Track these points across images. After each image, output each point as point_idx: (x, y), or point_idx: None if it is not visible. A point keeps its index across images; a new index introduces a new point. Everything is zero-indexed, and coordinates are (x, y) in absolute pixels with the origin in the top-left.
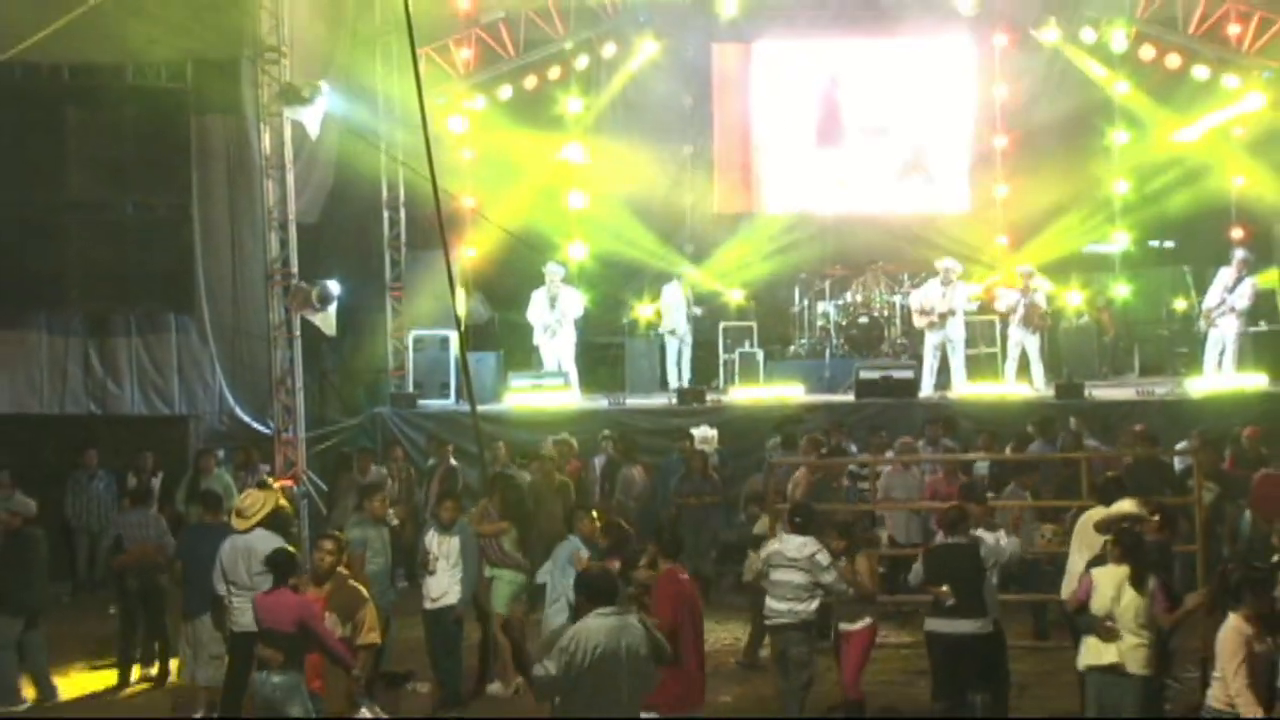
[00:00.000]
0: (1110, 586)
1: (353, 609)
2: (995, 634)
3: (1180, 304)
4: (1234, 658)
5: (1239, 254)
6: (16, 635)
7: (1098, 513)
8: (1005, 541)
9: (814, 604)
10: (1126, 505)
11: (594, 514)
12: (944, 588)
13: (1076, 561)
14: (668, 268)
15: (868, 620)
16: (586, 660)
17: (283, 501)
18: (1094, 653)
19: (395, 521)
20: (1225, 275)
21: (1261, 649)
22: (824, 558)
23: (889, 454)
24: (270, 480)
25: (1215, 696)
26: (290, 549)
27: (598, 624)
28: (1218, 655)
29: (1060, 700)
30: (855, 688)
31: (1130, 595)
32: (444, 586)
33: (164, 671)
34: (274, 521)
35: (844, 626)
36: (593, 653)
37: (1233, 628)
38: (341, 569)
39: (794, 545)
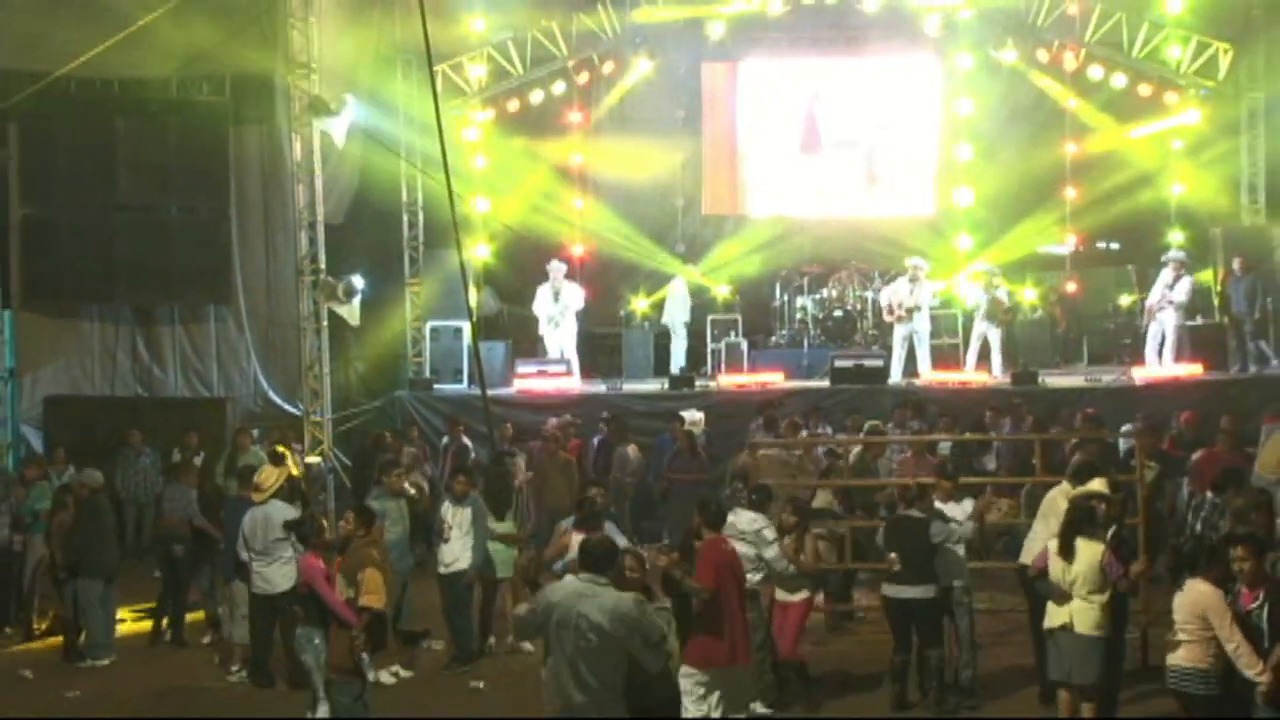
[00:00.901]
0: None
1: (356, 572)
2: (938, 600)
3: (1124, 300)
4: (1224, 617)
5: (1176, 255)
6: (101, 594)
7: (1067, 490)
8: (965, 516)
9: (758, 576)
10: (1096, 484)
11: (602, 488)
12: (892, 555)
13: (1040, 532)
14: (661, 265)
15: (805, 593)
16: (544, 615)
17: (295, 472)
18: (1051, 615)
19: (413, 492)
20: (1166, 274)
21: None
22: (770, 534)
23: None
24: (282, 451)
25: (1188, 657)
26: (304, 516)
27: (565, 586)
28: (1193, 618)
29: (1015, 659)
30: (794, 651)
31: (1081, 563)
32: (456, 553)
33: (179, 627)
34: (288, 493)
35: (782, 597)
36: (548, 610)
37: (1209, 591)
38: (366, 537)
39: (745, 519)
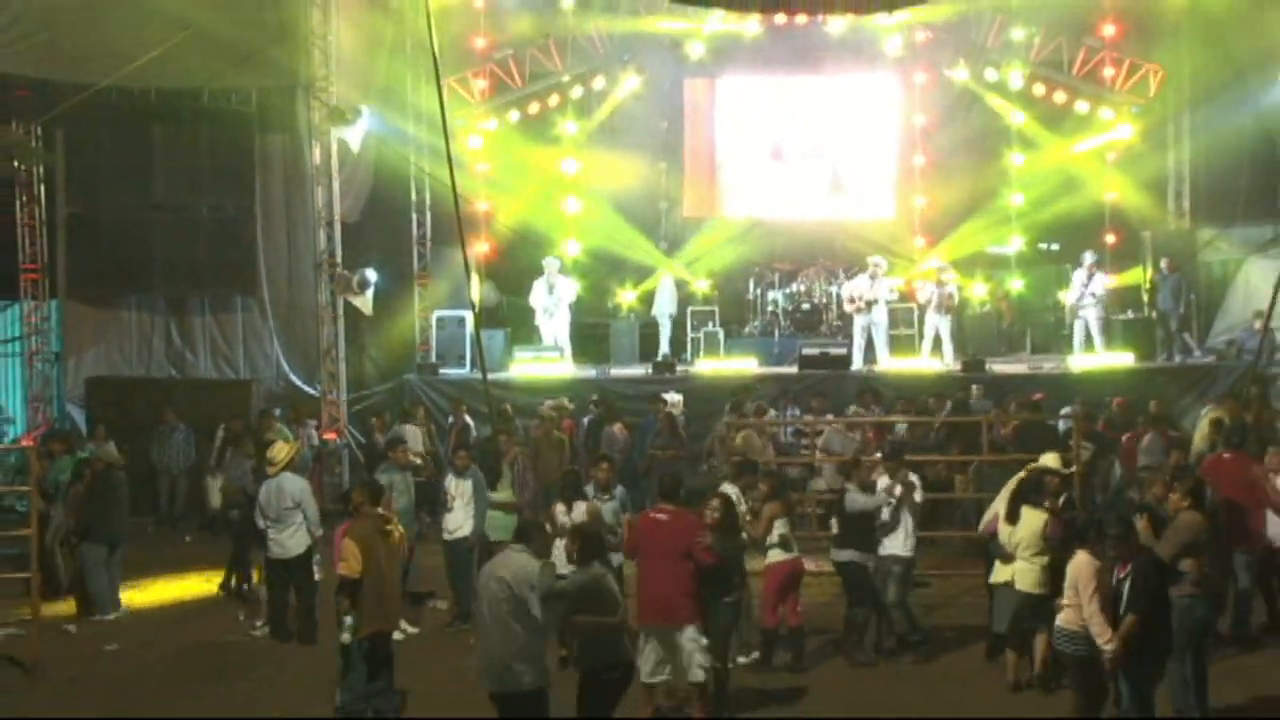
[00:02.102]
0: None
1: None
2: (859, 564)
3: (1063, 296)
4: (1087, 586)
5: (1090, 257)
6: (105, 559)
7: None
8: (872, 490)
9: None
10: (1049, 459)
11: (606, 464)
12: (833, 521)
13: (998, 502)
14: (646, 261)
15: (776, 558)
16: (480, 581)
17: (304, 450)
18: (996, 573)
19: (419, 463)
20: (1080, 275)
21: (1107, 580)
22: (741, 505)
23: (828, 416)
24: (290, 436)
25: (1066, 619)
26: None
27: (497, 557)
28: (1070, 585)
29: (963, 619)
30: (771, 615)
31: (1025, 529)
32: (459, 521)
33: (236, 585)
34: (297, 465)
35: (755, 565)
36: (482, 577)
37: (1082, 561)
38: (379, 510)
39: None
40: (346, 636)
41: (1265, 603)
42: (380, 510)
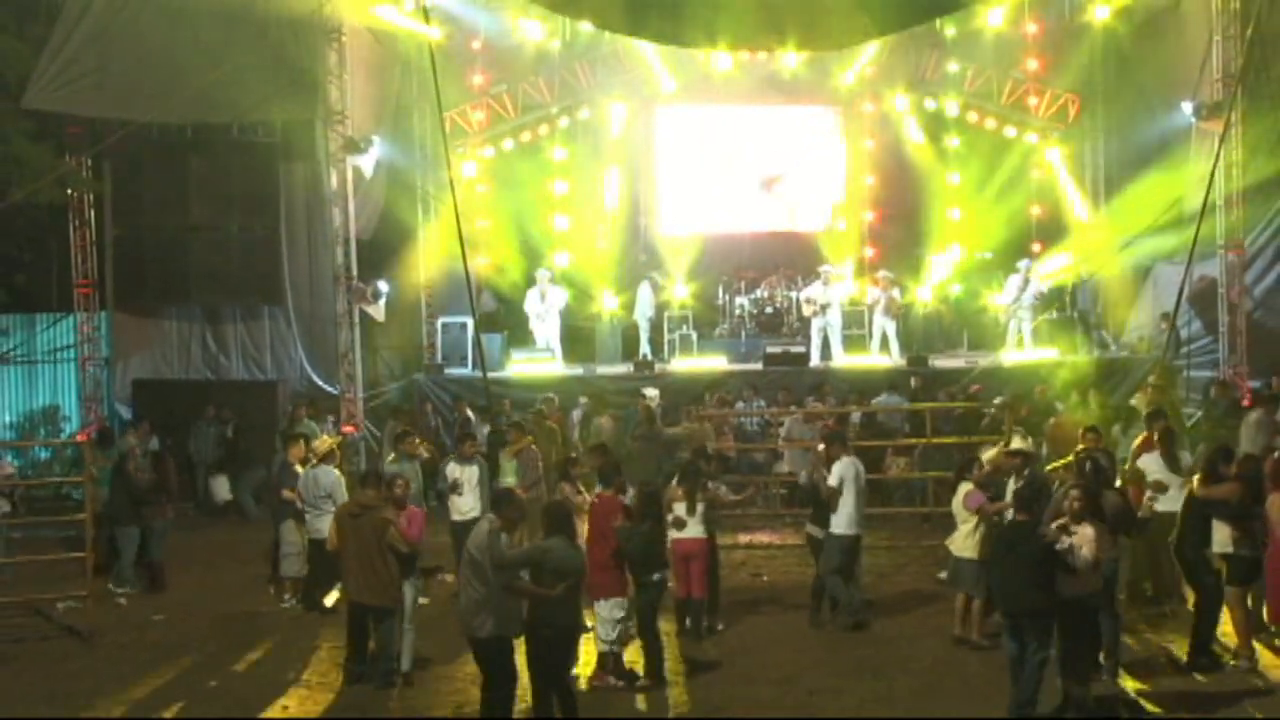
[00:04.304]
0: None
1: None
2: (816, 538)
3: (994, 298)
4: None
5: (1025, 264)
6: (135, 539)
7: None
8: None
9: None
10: (1017, 442)
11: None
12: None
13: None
14: (626, 272)
15: (688, 533)
16: None
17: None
18: (950, 542)
19: (426, 455)
20: (1017, 279)
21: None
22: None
23: (793, 409)
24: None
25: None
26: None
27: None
28: (957, 512)
29: (910, 584)
30: (684, 589)
31: (955, 500)
32: (470, 504)
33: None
34: (330, 458)
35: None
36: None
37: (967, 493)
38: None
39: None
40: (328, 601)
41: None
42: (371, 495)
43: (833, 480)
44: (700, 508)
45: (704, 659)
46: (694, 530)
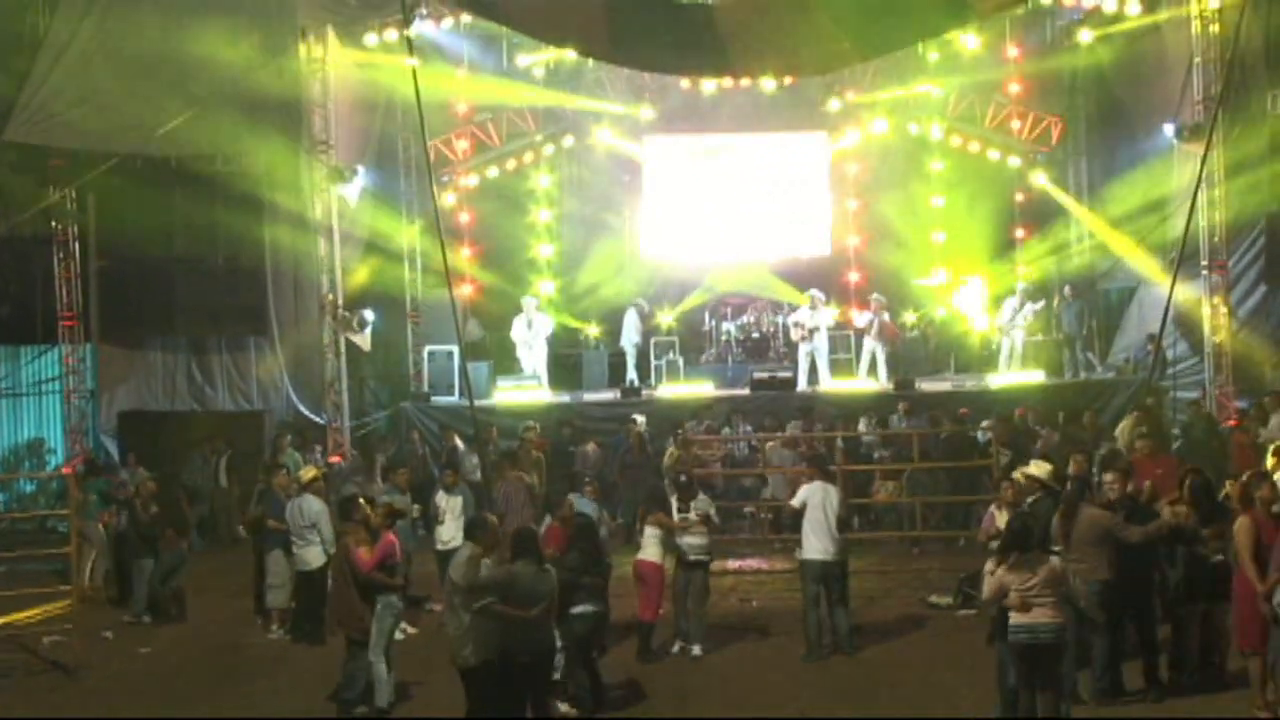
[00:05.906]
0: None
1: None
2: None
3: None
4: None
5: (1024, 286)
6: (150, 570)
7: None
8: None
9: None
10: (1034, 469)
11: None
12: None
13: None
14: (612, 299)
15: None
16: None
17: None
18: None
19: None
20: (1012, 302)
21: None
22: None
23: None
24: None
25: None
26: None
27: None
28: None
29: (899, 609)
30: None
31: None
32: (451, 533)
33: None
34: (315, 488)
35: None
36: None
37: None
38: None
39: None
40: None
41: None
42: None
43: (795, 500)
44: (650, 531)
45: (661, 683)
46: (646, 553)
